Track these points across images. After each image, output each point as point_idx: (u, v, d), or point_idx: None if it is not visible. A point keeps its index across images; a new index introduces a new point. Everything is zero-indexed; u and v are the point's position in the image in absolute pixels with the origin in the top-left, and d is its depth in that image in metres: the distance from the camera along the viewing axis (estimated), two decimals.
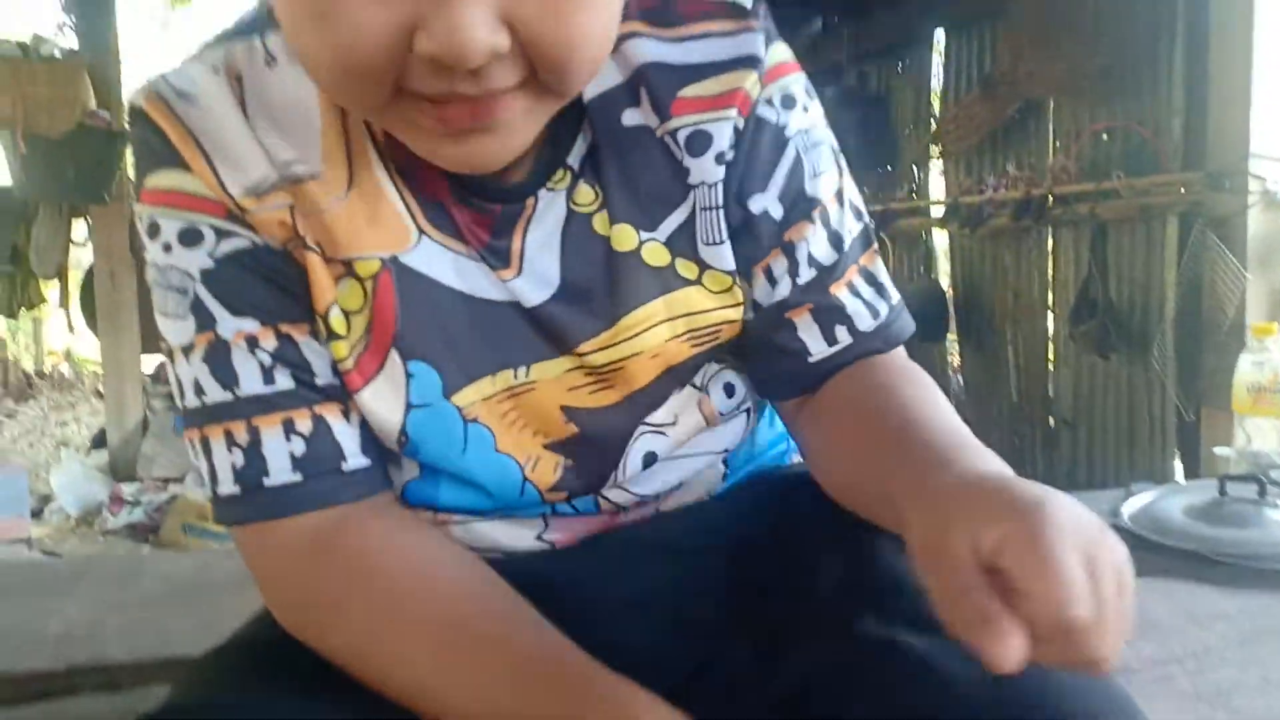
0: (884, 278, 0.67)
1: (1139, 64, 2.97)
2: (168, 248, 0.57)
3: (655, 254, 0.62)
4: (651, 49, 0.60)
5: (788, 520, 0.68)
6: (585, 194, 0.61)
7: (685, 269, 0.63)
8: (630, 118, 0.60)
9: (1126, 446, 3.24)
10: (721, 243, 0.62)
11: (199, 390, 0.58)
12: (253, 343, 0.58)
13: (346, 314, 0.59)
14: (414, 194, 0.59)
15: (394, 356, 0.59)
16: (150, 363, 4.63)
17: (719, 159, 0.61)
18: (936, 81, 4.25)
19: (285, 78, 0.57)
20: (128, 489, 3.92)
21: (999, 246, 3.76)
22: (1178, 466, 3.05)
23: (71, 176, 3.36)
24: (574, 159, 0.60)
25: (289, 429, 0.58)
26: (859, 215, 0.67)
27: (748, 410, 0.70)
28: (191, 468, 4.05)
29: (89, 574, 1.34)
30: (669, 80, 0.60)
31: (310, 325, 0.59)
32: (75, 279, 4.19)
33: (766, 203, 0.63)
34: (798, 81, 0.64)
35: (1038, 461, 3.71)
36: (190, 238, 0.57)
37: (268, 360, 0.58)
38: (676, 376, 0.65)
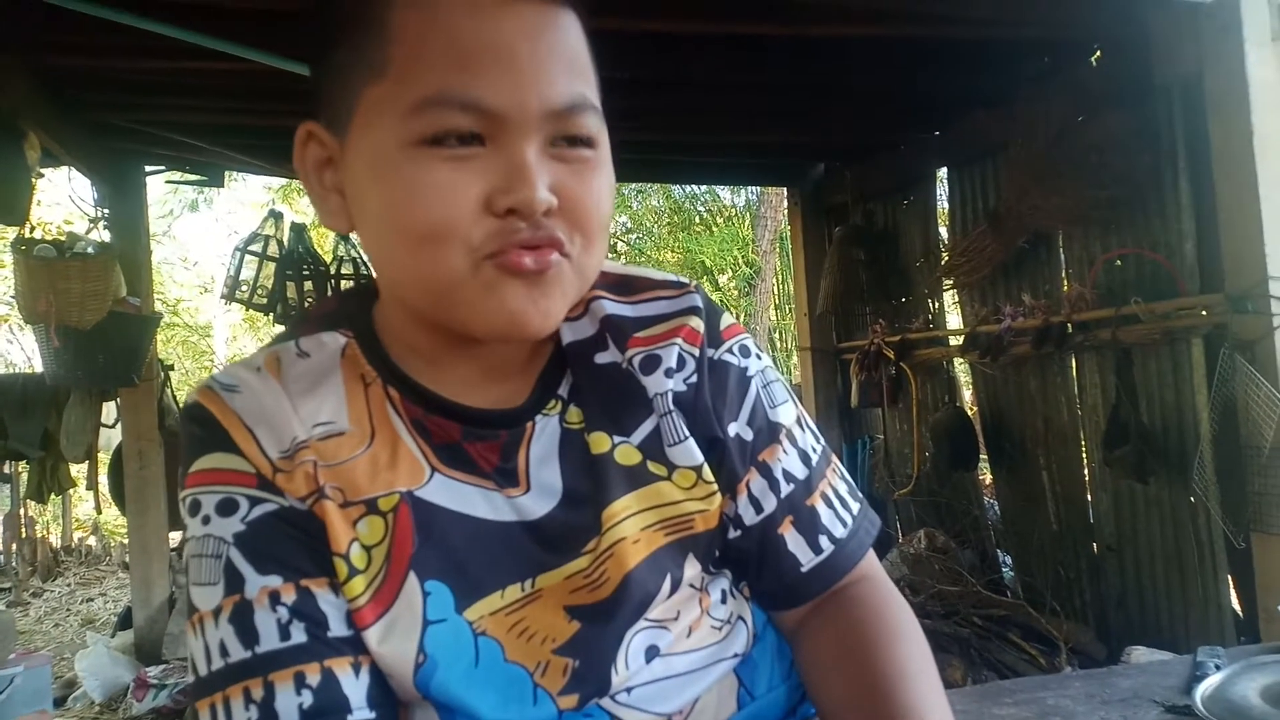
0: (845, 488, 0.81)
1: (1144, 192, 3.01)
2: (206, 520, 0.65)
3: (626, 454, 0.73)
4: (612, 308, 0.76)
5: None
6: (574, 414, 0.74)
7: (655, 468, 0.74)
8: (601, 358, 0.75)
9: (1176, 572, 3.13)
10: (684, 440, 0.74)
11: (224, 652, 0.63)
12: (275, 598, 0.64)
13: (367, 549, 0.66)
14: (427, 441, 0.69)
15: (411, 577, 0.67)
16: (176, 539, 4.61)
17: (667, 373, 0.75)
18: (942, 213, 4.32)
19: (317, 365, 0.70)
20: (153, 672, 3.84)
21: (1023, 374, 3.73)
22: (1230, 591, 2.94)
23: (102, 362, 3.43)
24: (563, 390, 0.74)
25: (300, 682, 0.63)
26: (817, 437, 0.82)
27: (744, 620, 0.79)
28: None
29: None
30: (626, 327, 0.76)
31: (329, 579, 0.66)
32: (103, 460, 4.22)
33: (738, 429, 0.77)
34: (748, 339, 0.81)
35: (1085, 590, 3.58)
36: (227, 508, 0.65)
37: (285, 615, 0.64)
38: (661, 566, 0.73)
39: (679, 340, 0.76)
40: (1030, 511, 3.83)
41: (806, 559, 0.76)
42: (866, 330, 4.53)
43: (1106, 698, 1.23)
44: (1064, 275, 3.51)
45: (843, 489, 0.80)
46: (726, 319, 0.80)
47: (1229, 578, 2.95)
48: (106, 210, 3.98)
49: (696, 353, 0.76)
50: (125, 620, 4.42)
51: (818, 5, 2.80)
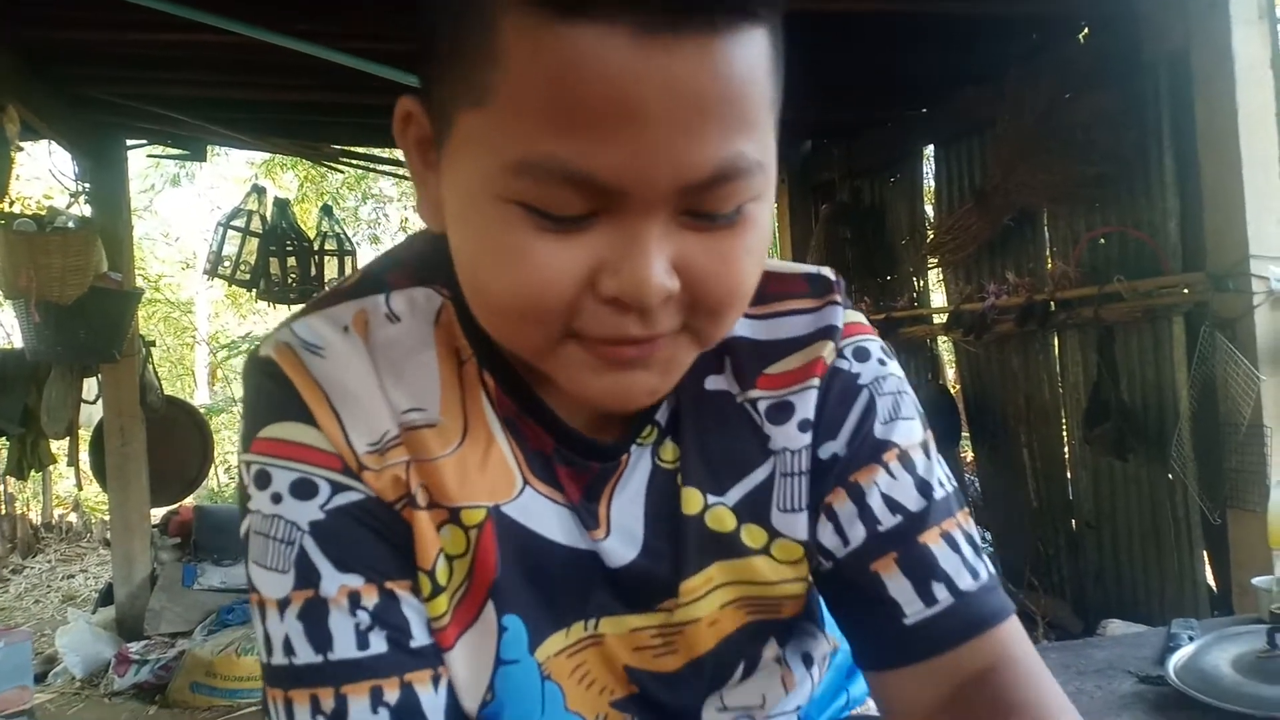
0: (979, 545, 0.64)
1: (1130, 170, 3.02)
2: (277, 498, 0.57)
3: (720, 519, 0.63)
4: (740, 325, 0.63)
5: None
6: (669, 450, 0.63)
7: (752, 536, 0.63)
8: (713, 383, 0.64)
9: (1153, 548, 3.17)
10: (799, 510, 0.63)
11: (289, 649, 0.57)
12: (355, 600, 0.57)
13: (450, 559, 0.59)
14: (520, 446, 0.61)
15: (489, 609, 0.60)
16: (157, 515, 4.60)
17: (803, 426, 0.63)
18: (929, 190, 4.32)
19: (408, 334, 0.61)
20: (134, 647, 3.84)
21: (1005, 352, 3.76)
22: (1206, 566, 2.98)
23: (83, 337, 3.40)
24: (661, 415, 0.63)
25: (376, 699, 0.56)
26: (949, 477, 0.65)
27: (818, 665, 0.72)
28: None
29: None
30: (754, 357, 0.64)
31: (413, 582, 0.59)
32: (84, 437, 4.19)
33: (836, 448, 0.64)
34: (872, 341, 0.67)
35: (1063, 565, 3.62)
36: (303, 490, 0.57)
37: (366, 621, 0.57)
38: (738, 648, 0.64)
39: (815, 382, 0.63)
40: (1010, 488, 3.87)
41: (913, 609, 0.60)
42: None
43: (1082, 668, 1.25)
44: (1048, 253, 3.53)
45: (977, 541, 0.64)
46: (849, 316, 0.66)
47: (1204, 553, 2.99)
48: (87, 184, 3.94)
49: (820, 383, 0.64)
50: (106, 596, 4.41)
51: None
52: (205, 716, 3.49)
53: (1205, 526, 2.90)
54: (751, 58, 0.48)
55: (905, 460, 0.63)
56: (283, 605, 0.57)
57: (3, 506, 6.62)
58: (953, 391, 4.32)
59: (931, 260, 4.08)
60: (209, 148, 4.64)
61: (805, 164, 5.04)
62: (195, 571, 4.15)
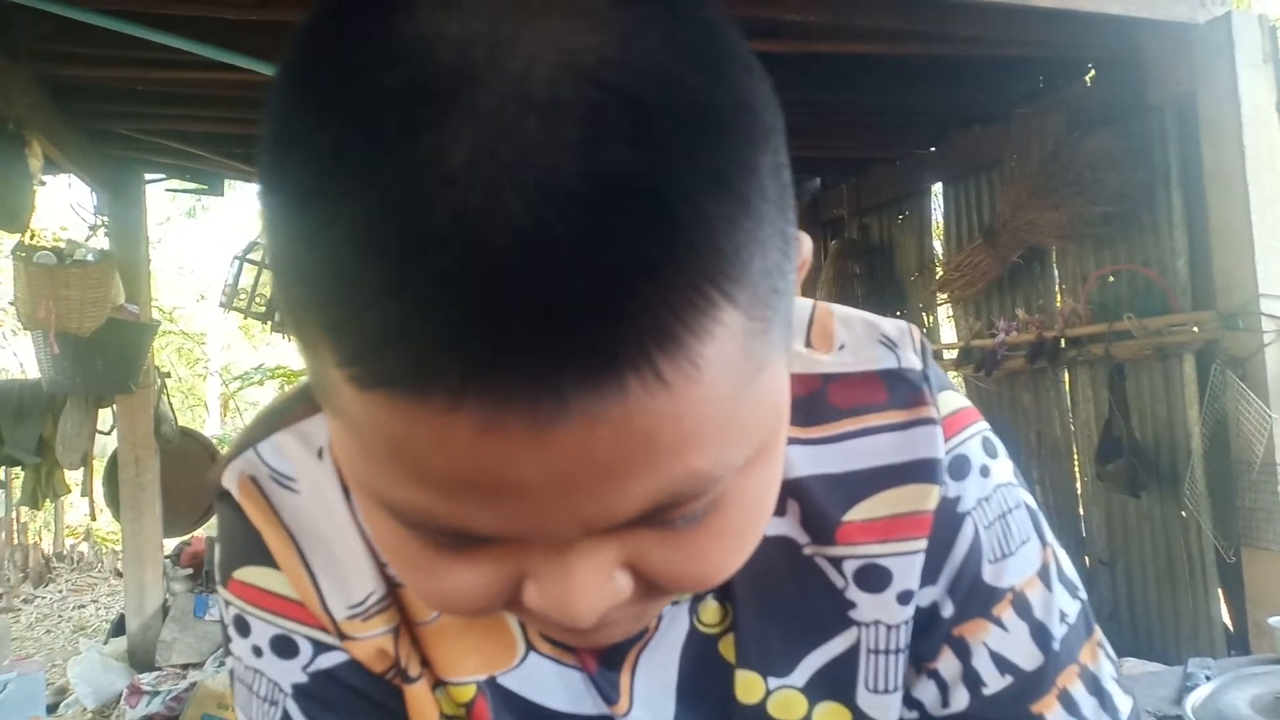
0: (1110, 682, 0.52)
1: (1138, 209, 3.05)
2: (258, 651, 0.51)
3: (787, 706, 0.51)
4: (802, 458, 0.49)
5: None
6: (711, 611, 0.51)
7: (829, 718, 0.51)
8: (773, 527, 0.49)
9: (1168, 585, 3.15)
10: (892, 691, 0.51)
11: None
12: None
13: (448, 718, 0.52)
14: None
15: None
16: (170, 545, 4.61)
17: (903, 598, 0.49)
18: (937, 227, 4.36)
19: None
20: (146, 679, 3.84)
21: (1016, 388, 3.77)
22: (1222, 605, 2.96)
23: (100, 369, 3.44)
24: None
25: None
26: (1073, 591, 0.53)
27: None
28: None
29: None
30: (830, 499, 0.49)
31: None
32: (98, 467, 4.22)
33: (935, 595, 0.51)
34: (970, 438, 0.51)
35: None
36: (284, 648, 0.51)
37: None
38: None
39: (921, 543, 0.49)
40: None
41: None
42: None
43: None
44: (1058, 290, 3.55)
45: (1102, 679, 0.52)
46: (944, 404, 0.51)
47: (1219, 591, 2.97)
48: (106, 217, 4.00)
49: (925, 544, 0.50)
50: (118, 627, 4.41)
51: (819, 24, 2.84)
52: None
53: (1220, 564, 2.89)
54: (696, 387, 0.31)
55: (1020, 605, 0.51)
56: None
57: (15, 536, 6.64)
58: None
59: (941, 296, 4.11)
60: (226, 182, 4.71)
61: (814, 201, 5.08)
62: (207, 602, 4.16)
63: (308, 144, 0.30)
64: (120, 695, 3.81)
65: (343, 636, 0.50)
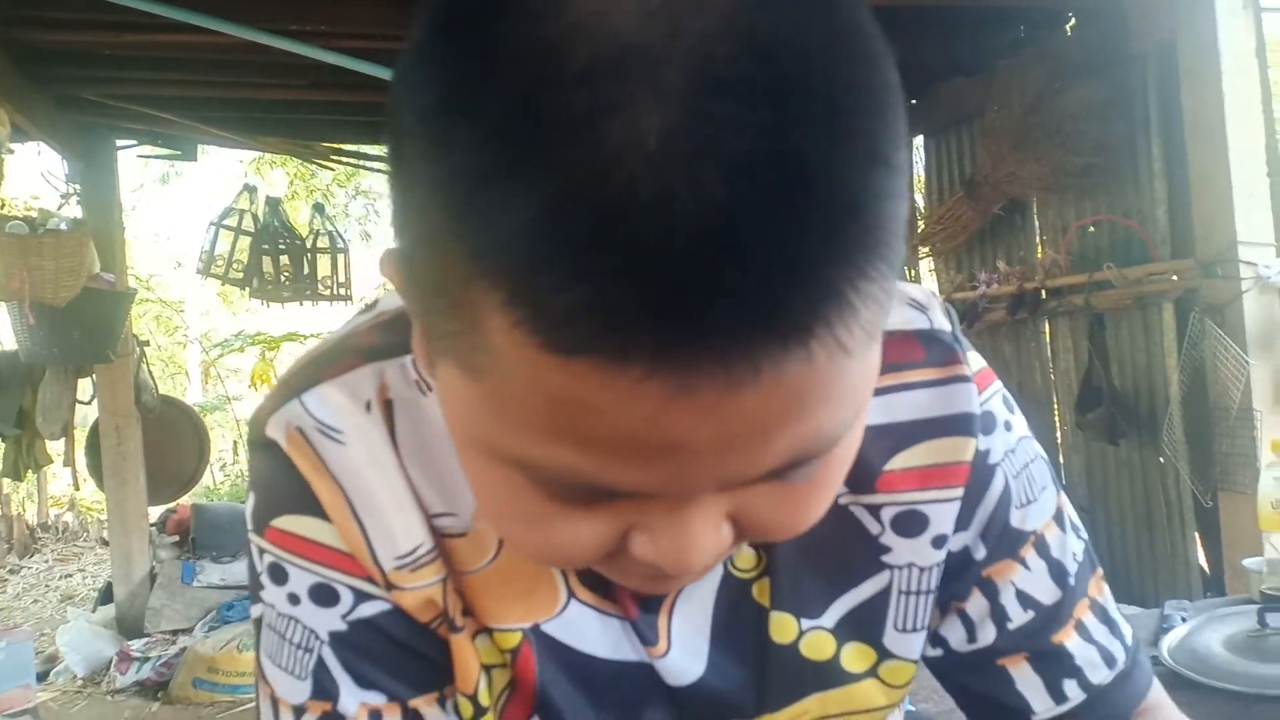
0: (1115, 611, 0.59)
1: (1118, 159, 3.05)
2: (295, 599, 0.51)
3: (817, 646, 0.54)
4: None
5: None
6: (746, 557, 0.54)
7: (855, 659, 0.55)
8: None
9: (1146, 531, 3.20)
10: (919, 630, 0.56)
11: None
12: (375, 718, 0.51)
13: (489, 669, 0.53)
14: None
15: None
16: (155, 513, 4.61)
17: (937, 542, 0.54)
18: (918, 180, 4.35)
19: (440, 412, 0.49)
20: (135, 645, 3.86)
21: (997, 340, 3.79)
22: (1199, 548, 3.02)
23: (77, 338, 3.40)
24: None
25: None
26: (1079, 532, 0.59)
27: None
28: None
29: None
30: (872, 449, 0.52)
31: (440, 693, 0.53)
32: (79, 437, 4.20)
33: (967, 540, 0.56)
34: (994, 396, 0.56)
35: None
36: (324, 596, 0.51)
37: None
38: None
39: (957, 491, 0.54)
40: None
41: (1043, 706, 0.56)
42: None
43: None
44: (1038, 242, 3.56)
45: (1109, 609, 0.59)
46: (977, 362, 0.56)
47: (1196, 535, 3.02)
48: (77, 186, 3.93)
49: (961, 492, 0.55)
50: (106, 595, 4.41)
51: None
52: (208, 712, 3.52)
53: (1197, 509, 2.94)
54: (857, 351, 0.33)
55: (1041, 547, 0.57)
56: (298, 711, 0.52)
57: None
58: None
59: (922, 250, 4.11)
60: (199, 146, 4.64)
61: None
62: (194, 569, 4.16)
63: (486, 116, 0.31)
64: (110, 662, 3.82)
65: (390, 587, 0.50)
